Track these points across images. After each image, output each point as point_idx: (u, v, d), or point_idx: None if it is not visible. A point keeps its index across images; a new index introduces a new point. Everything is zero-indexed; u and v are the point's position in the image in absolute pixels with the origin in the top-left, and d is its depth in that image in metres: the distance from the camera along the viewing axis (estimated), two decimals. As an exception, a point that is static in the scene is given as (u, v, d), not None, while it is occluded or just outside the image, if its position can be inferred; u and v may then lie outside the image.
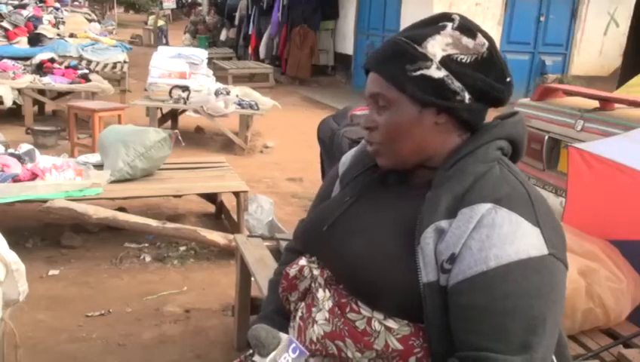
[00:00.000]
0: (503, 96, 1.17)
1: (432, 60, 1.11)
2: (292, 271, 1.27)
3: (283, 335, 1.13)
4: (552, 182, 3.70)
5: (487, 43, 1.15)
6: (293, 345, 1.11)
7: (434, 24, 1.15)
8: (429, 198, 1.12)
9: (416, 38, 1.13)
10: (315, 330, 1.18)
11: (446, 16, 1.16)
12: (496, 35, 10.11)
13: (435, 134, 1.15)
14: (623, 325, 2.13)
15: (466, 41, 1.13)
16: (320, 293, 1.21)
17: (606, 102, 3.62)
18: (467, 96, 1.12)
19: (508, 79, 1.17)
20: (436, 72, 1.11)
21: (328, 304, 1.18)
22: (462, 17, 1.16)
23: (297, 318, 1.26)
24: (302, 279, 1.26)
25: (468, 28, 1.15)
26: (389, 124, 1.16)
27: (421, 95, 1.11)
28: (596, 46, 11.23)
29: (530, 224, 1.04)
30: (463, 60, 1.12)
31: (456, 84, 1.11)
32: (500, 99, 1.17)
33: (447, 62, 1.11)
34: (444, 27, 1.14)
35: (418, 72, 1.11)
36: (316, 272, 1.23)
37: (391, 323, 1.10)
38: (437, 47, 1.12)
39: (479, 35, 1.15)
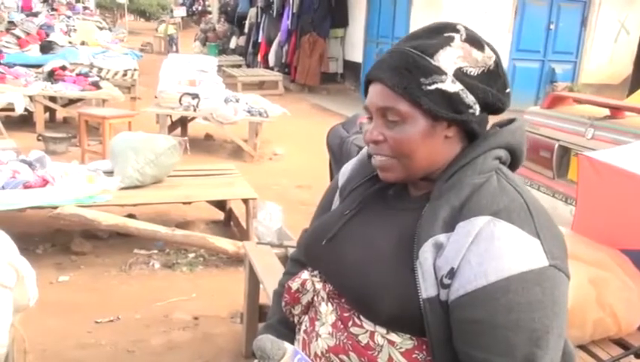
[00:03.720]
0: (505, 107, 1.17)
1: (446, 74, 1.09)
2: (294, 284, 1.26)
3: (288, 346, 1.13)
4: (561, 191, 3.68)
5: (494, 56, 1.14)
6: (299, 356, 1.11)
7: (439, 34, 1.13)
8: (426, 212, 1.11)
9: (427, 50, 1.10)
10: (319, 344, 1.17)
11: (450, 27, 1.14)
12: (505, 43, 10.11)
13: (444, 147, 1.14)
14: (635, 335, 2.11)
15: (476, 53, 1.12)
16: (323, 307, 1.20)
17: (616, 110, 3.60)
18: (478, 108, 1.12)
19: (508, 90, 1.17)
20: (451, 86, 1.09)
21: (331, 318, 1.18)
22: (466, 28, 1.14)
23: (301, 332, 1.25)
24: (304, 292, 1.24)
25: (476, 40, 1.14)
26: (402, 139, 1.12)
27: (437, 109, 1.09)
28: (606, 54, 11.20)
29: (529, 235, 1.03)
30: (472, 73, 1.11)
31: (470, 98, 1.10)
32: (501, 109, 1.17)
33: (459, 75, 1.10)
34: (452, 38, 1.12)
35: (433, 86, 1.08)
36: (318, 286, 1.22)
37: (394, 337, 1.09)
38: (449, 59, 1.10)
39: (487, 48, 1.14)
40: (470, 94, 1.10)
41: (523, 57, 10.57)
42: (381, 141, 1.14)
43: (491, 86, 1.13)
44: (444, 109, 1.09)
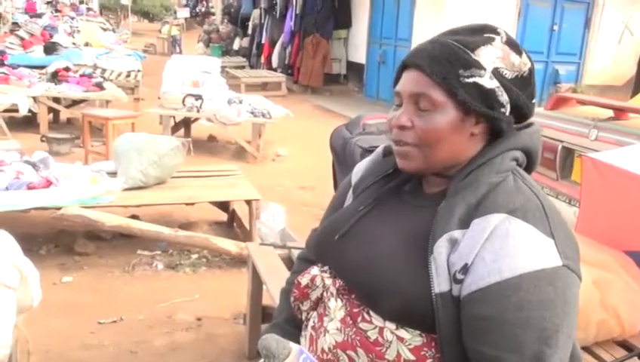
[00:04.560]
0: (530, 114, 1.19)
1: (485, 70, 1.11)
2: (304, 280, 1.26)
3: (294, 346, 1.13)
4: (565, 192, 3.67)
5: (529, 63, 1.16)
6: (304, 355, 1.11)
7: (480, 33, 1.15)
8: (442, 208, 1.12)
9: (469, 44, 1.12)
10: (326, 340, 1.18)
11: (491, 28, 1.16)
12: (509, 44, 10.09)
13: (467, 144, 1.15)
14: (638, 337, 2.11)
15: (514, 57, 1.14)
16: (332, 303, 1.20)
17: (620, 112, 3.60)
18: (509, 109, 1.14)
19: (534, 100, 1.19)
20: (489, 82, 1.11)
21: (340, 313, 1.18)
22: (506, 32, 1.17)
23: (309, 327, 1.26)
24: (314, 288, 1.25)
25: (515, 44, 1.16)
26: (430, 128, 1.12)
27: (472, 102, 1.10)
28: (610, 55, 11.18)
29: (543, 235, 1.04)
30: (507, 76, 1.13)
31: (504, 97, 1.12)
32: (527, 116, 1.19)
33: (496, 74, 1.12)
34: (493, 39, 1.14)
35: (471, 79, 1.10)
36: (328, 281, 1.23)
37: (403, 333, 1.10)
38: (489, 57, 1.12)
39: (524, 54, 1.16)
40: (505, 93, 1.12)
41: (526, 58, 10.55)
42: (408, 128, 1.14)
43: (522, 91, 1.15)
44: (479, 103, 1.11)
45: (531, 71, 1.17)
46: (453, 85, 1.10)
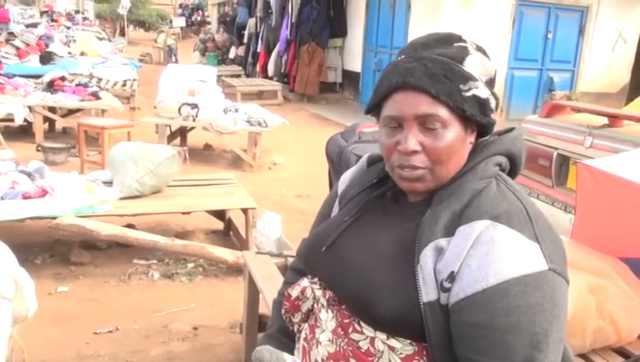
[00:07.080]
0: (496, 111, 1.21)
1: (478, 80, 1.12)
2: (294, 292, 1.26)
3: (287, 357, 1.13)
4: (560, 199, 3.68)
5: (494, 65, 1.19)
6: (297, 366, 1.11)
7: (451, 43, 1.15)
8: (427, 217, 1.12)
9: (455, 57, 1.12)
10: (319, 351, 1.17)
11: (456, 37, 1.17)
12: (503, 52, 10.15)
13: (466, 152, 1.17)
14: (635, 343, 2.10)
15: (487, 62, 1.17)
16: (323, 314, 1.20)
17: (615, 119, 3.61)
18: (494, 113, 1.17)
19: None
20: (484, 92, 1.13)
21: (331, 324, 1.18)
22: (469, 39, 1.18)
23: (301, 339, 1.25)
24: (304, 300, 1.25)
25: (483, 49, 1.18)
26: (442, 147, 1.11)
27: (477, 115, 1.12)
28: (604, 62, 11.24)
29: (528, 240, 1.04)
30: (484, 80, 1.15)
31: (493, 102, 1.15)
32: (493, 113, 1.21)
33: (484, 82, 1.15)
34: (467, 48, 1.15)
35: (470, 92, 1.11)
36: (318, 293, 1.23)
37: (394, 343, 1.09)
38: (475, 66, 1.13)
39: (489, 57, 1.19)
40: (493, 99, 1.15)
41: (521, 66, 10.60)
42: (418, 151, 1.13)
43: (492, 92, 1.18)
44: (479, 114, 1.13)
45: (496, 71, 1.19)
46: (459, 101, 1.10)
